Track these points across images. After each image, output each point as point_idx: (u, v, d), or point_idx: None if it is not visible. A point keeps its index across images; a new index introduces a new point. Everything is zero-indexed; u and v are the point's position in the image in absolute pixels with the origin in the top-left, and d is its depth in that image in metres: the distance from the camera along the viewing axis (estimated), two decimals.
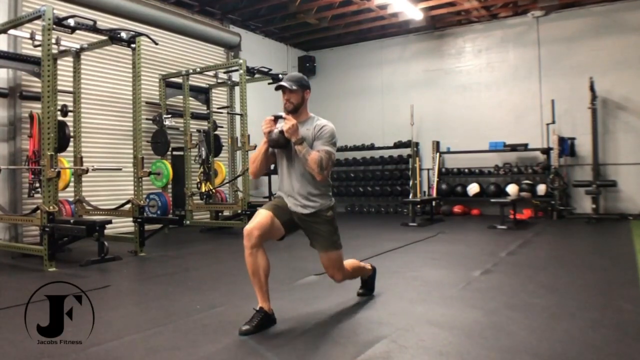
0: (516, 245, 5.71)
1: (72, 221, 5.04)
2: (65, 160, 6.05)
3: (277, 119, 2.89)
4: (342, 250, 3.03)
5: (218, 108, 8.82)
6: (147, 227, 5.75)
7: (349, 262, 3.19)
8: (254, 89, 8.46)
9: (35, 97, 5.98)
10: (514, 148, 9.30)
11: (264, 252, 2.78)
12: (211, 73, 8.22)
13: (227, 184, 8.14)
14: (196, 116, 8.44)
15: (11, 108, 6.35)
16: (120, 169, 6.85)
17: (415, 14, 8.98)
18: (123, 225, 6.89)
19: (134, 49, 5.54)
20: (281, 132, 2.81)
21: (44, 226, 4.69)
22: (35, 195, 5.97)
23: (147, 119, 7.50)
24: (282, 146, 2.89)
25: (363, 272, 3.39)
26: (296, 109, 2.91)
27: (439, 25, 10.29)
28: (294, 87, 2.88)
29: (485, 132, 9.74)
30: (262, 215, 2.81)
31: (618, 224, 7.78)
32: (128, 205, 5.72)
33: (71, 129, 5.99)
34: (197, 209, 7.89)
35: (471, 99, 10.09)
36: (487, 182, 9.70)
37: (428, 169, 10.39)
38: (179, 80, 7.96)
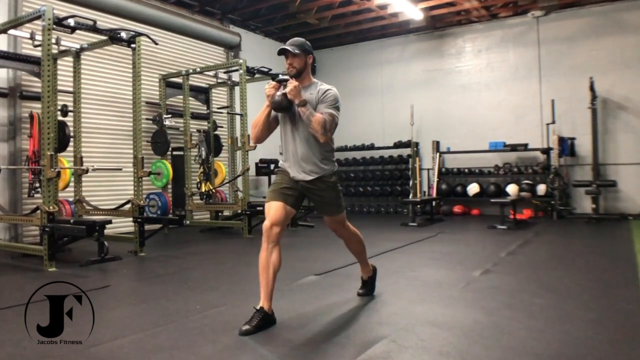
0: (516, 245, 5.71)
1: (72, 221, 5.04)
2: (65, 160, 6.05)
3: (280, 83, 2.86)
4: (345, 212, 3.15)
5: (218, 108, 8.82)
6: (147, 227, 5.74)
7: (359, 240, 3.28)
8: (254, 89, 8.46)
9: (35, 97, 5.99)
10: (514, 148, 9.30)
11: (279, 251, 2.80)
12: (211, 73, 8.22)
13: (227, 184, 8.14)
14: (196, 116, 8.44)
15: (11, 108, 6.36)
16: (120, 169, 6.86)
17: (415, 14, 8.99)
18: (123, 225, 6.90)
19: (134, 49, 5.54)
20: (284, 94, 2.79)
21: (44, 226, 4.69)
22: (35, 195, 5.98)
23: (147, 119, 7.50)
24: (284, 108, 2.86)
25: (364, 256, 3.41)
26: (299, 74, 2.90)
27: (439, 25, 10.29)
28: (297, 51, 2.86)
29: (485, 132, 9.74)
30: (276, 208, 2.82)
31: (618, 224, 7.78)
32: (128, 205, 5.72)
33: (71, 129, 6.00)
34: (197, 209, 7.89)
35: (471, 99, 10.09)
36: (487, 182, 9.69)
37: (428, 169, 10.39)
38: (179, 80, 7.96)
